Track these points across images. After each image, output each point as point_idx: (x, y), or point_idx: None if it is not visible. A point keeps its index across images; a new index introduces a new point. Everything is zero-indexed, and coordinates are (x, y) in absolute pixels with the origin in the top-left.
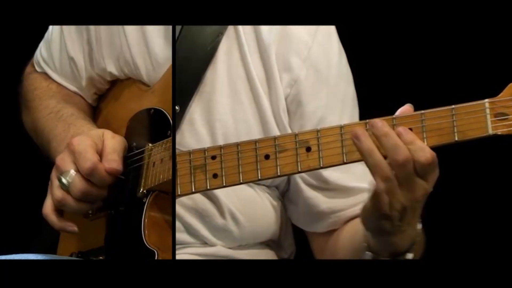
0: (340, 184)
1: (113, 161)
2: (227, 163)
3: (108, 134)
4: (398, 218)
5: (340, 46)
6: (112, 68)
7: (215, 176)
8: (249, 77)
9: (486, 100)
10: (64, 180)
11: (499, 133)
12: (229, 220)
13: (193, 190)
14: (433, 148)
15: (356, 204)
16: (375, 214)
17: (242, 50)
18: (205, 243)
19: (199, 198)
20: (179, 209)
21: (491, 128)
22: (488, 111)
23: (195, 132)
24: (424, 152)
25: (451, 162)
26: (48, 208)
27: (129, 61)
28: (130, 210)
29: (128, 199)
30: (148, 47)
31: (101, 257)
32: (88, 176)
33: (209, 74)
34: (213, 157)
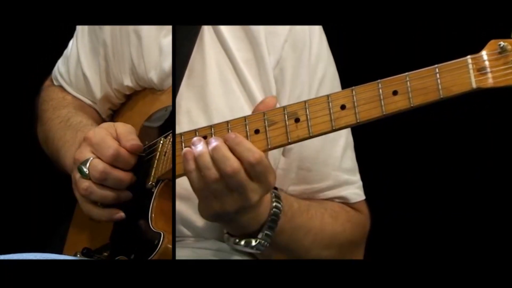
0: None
1: (131, 139)
2: None
3: (118, 123)
4: (234, 213)
5: (321, 30)
6: (128, 81)
7: None
8: (235, 66)
9: (469, 56)
10: (84, 169)
11: (482, 86)
12: None
13: None
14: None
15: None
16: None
17: (223, 41)
18: (196, 232)
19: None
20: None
21: (475, 82)
22: (471, 66)
23: (193, 123)
24: (252, 152)
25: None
26: (85, 207)
27: (142, 74)
28: (138, 201)
29: (137, 193)
30: (161, 59)
31: (105, 253)
32: (113, 162)
33: (197, 66)
34: (205, 137)
